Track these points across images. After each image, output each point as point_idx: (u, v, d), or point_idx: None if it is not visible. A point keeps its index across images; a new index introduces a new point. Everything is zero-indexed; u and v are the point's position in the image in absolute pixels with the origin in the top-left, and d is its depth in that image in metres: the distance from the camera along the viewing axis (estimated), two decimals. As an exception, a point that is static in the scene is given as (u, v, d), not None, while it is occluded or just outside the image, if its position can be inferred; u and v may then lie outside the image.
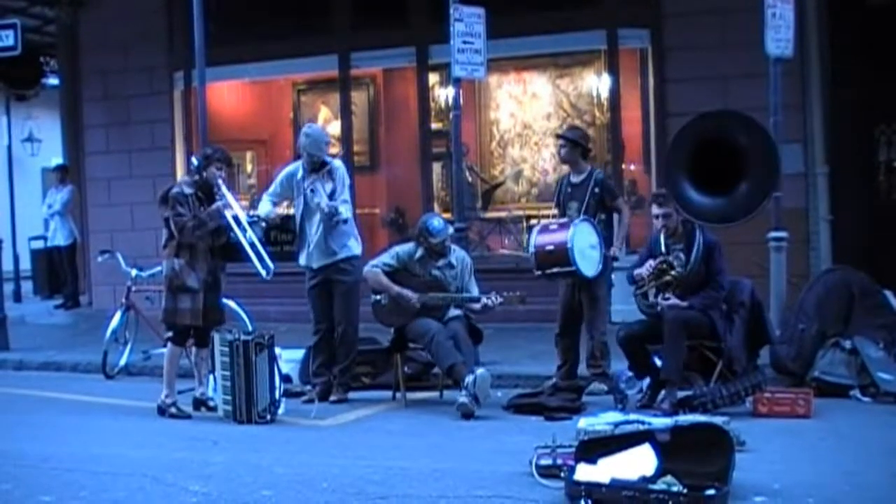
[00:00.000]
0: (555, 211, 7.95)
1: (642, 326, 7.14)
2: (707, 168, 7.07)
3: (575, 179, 7.68)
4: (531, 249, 7.43)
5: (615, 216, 7.75)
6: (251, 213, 7.83)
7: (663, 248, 7.10)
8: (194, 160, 7.51)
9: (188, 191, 7.23)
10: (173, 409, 7.28)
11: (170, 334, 7.48)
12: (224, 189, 7.28)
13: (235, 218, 7.24)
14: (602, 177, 7.72)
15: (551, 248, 7.29)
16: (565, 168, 7.93)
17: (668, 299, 6.97)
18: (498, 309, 7.45)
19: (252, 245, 7.25)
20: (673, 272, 6.97)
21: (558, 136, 7.97)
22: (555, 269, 7.31)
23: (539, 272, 7.40)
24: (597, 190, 7.55)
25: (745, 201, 7.10)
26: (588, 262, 7.29)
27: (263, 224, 7.61)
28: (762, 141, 7.09)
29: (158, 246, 7.56)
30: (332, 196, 7.56)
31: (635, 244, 10.41)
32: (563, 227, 7.38)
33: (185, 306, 7.21)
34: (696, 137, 7.28)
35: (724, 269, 7.03)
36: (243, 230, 7.26)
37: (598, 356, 7.52)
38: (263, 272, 7.32)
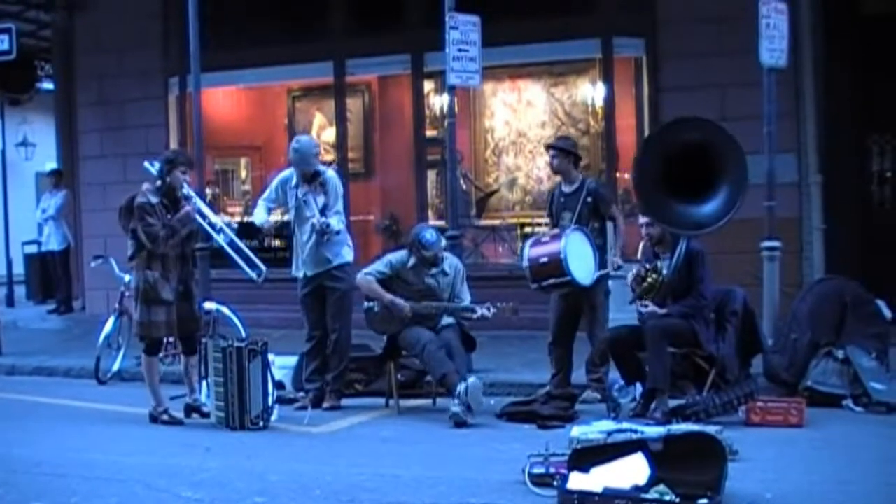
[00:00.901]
0: (548, 220, 7.96)
1: (628, 331, 7.16)
2: (682, 177, 7.06)
3: (567, 189, 7.69)
4: (525, 263, 7.43)
5: (609, 225, 7.74)
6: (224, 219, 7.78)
7: (651, 256, 7.16)
8: (150, 167, 7.35)
9: (154, 199, 7.08)
10: (165, 416, 7.26)
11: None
12: (192, 192, 7.23)
13: (209, 222, 7.20)
14: (595, 185, 7.73)
15: (545, 260, 7.29)
16: (559, 177, 7.93)
17: (646, 306, 7.00)
18: (491, 318, 7.45)
19: (238, 250, 7.22)
20: (650, 278, 7.01)
21: (548, 147, 7.98)
22: (550, 281, 7.32)
23: (535, 285, 7.41)
24: (589, 199, 7.55)
25: (717, 209, 7.10)
26: (583, 271, 7.30)
27: (235, 226, 7.59)
28: (730, 147, 7.07)
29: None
30: (324, 210, 7.54)
31: (630, 253, 10.43)
32: (555, 238, 7.39)
33: (159, 319, 7.14)
34: (664, 146, 7.25)
35: (706, 278, 7.02)
36: (219, 230, 7.21)
37: (598, 363, 7.54)
38: (254, 275, 7.31)
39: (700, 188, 7.06)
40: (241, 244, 7.32)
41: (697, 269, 6.98)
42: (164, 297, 7.10)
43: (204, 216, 7.22)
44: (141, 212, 7.03)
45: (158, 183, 7.18)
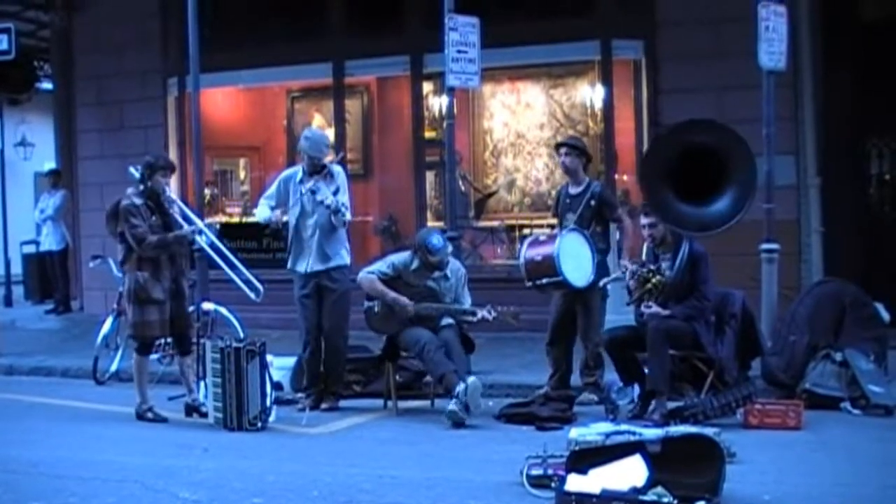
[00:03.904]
0: (554, 221, 7.97)
1: (627, 332, 7.18)
2: (688, 177, 7.07)
3: (573, 191, 7.69)
4: (521, 261, 7.44)
5: (614, 229, 7.75)
6: (206, 221, 7.86)
7: (652, 257, 7.16)
8: (135, 171, 7.46)
9: (138, 201, 7.23)
10: (150, 414, 7.35)
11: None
12: (173, 196, 7.39)
13: (210, 244, 7.33)
14: (600, 189, 7.69)
15: (539, 259, 7.30)
16: (558, 178, 7.93)
17: (650, 307, 7.00)
18: (491, 321, 7.44)
19: (234, 268, 7.34)
20: (654, 280, 7.01)
21: (561, 145, 7.90)
22: (544, 280, 7.32)
23: (530, 283, 7.41)
24: (593, 202, 7.54)
25: (723, 211, 7.11)
26: (578, 271, 7.28)
27: (218, 226, 7.66)
28: (740, 152, 7.08)
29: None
30: (335, 195, 7.55)
31: (633, 254, 10.43)
32: (551, 238, 7.41)
33: (153, 318, 7.23)
34: (674, 146, 7.26)
35: (709, 280, 7.04)
36: (217, 251, 7.33)
37: (592, 366, 7.54)
38: (252, 295, 7.40)
39: (707, 190, 7.07)
40: (243, 267, 7.43)
41: (700, 270, 7.00)
42: (155, 297, 7.20)
43: (210, 241, 7.36)
44: (126, 214, 7.17)
45: (141, 187, 7.31)
